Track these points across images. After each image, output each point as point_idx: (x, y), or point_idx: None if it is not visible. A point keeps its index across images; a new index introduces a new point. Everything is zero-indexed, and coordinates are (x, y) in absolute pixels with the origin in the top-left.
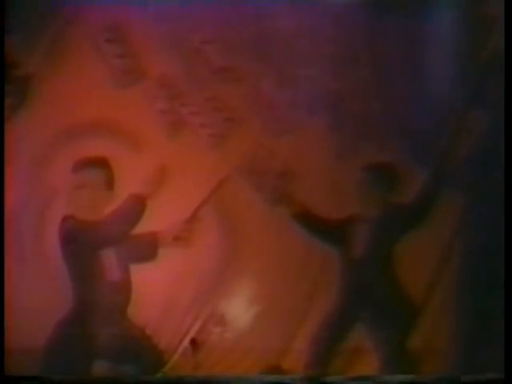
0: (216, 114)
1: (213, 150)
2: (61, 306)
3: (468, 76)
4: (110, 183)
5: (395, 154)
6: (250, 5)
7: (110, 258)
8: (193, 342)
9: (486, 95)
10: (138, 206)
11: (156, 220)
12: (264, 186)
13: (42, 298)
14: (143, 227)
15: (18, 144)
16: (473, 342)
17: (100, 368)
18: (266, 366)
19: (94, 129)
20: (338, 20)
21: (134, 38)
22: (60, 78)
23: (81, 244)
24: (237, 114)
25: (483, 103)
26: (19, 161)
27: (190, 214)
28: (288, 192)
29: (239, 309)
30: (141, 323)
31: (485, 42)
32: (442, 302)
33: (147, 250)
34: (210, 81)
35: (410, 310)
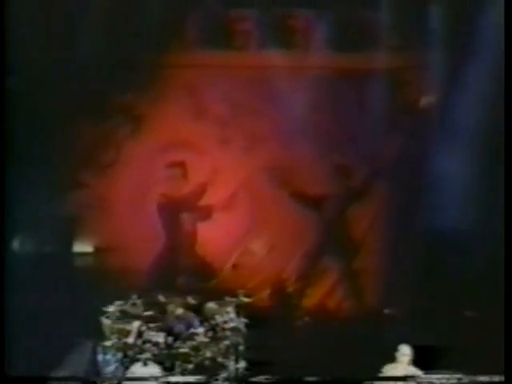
0: (245, 136)
1: (244, 156)
2: (156, 245)
3: (390, 115)
4: (186, 176)
5: (348, 158)
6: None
7: (185, 218)
8: (233, 265)
9: (402, 126)
10: (201, 190)
11: (211, 197)
12: (274, 177)
13: (145, 239)
14: (204, 201)
15: (132, 156)
16: (395, 263)
17: (180, 281)
18: (273, 279)
19: (176, 145)
20: (312, 82)
21: (200, 93)
22: (157, 116)
23: (169, 209)
24: (257, 136)
25: (400, 130)
26: (133, 165)
27: (230, 194)
28: (287, 180)
29: (258, 247)
30: (203, 255)
31: (395, 98)
32: (372, 244)
33: (206, 213)
34: (243, 117)
35: (355, 246)
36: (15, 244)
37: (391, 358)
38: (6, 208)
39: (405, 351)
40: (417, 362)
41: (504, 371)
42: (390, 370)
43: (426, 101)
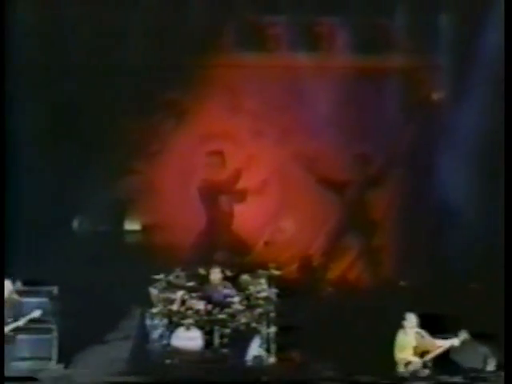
0: (276, 128)
1: (275, 146)
2: (197, 224)
3: (404, 111)
4: (224, 163)
5: (367, 148)
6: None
7: (223, 200)
8: (265, 242)
9: (414, 120)
10: (237, 175)
11: (246, 181)
12: (302, 164)
13: (188, 219)
14: (240, 185)
15: (177, 146)
16: (408, 241)
17: (219, 256)
18: (300, 254)
19: (215, 136)
20: (335, 81)
21: (236, 91)
22: (198, 111)
23: (209, 193)
24: (287, 129)
25: (413, 124)
26: (178, 153)
27: (263, 179)
28: (314, 167)
29: (287, 226)
30: (239, 233)
31: (409, 94)
32: (388, 223)
33: (242, 196)
34: (274, 112)
35: (372, 226)
36: (75, 223)
37: (400, 324)
38: (69, 191)
39: (411, 319)
40: (424, 327)
41: (504, 371)
42: (401, 336)
43: (436, 97)
